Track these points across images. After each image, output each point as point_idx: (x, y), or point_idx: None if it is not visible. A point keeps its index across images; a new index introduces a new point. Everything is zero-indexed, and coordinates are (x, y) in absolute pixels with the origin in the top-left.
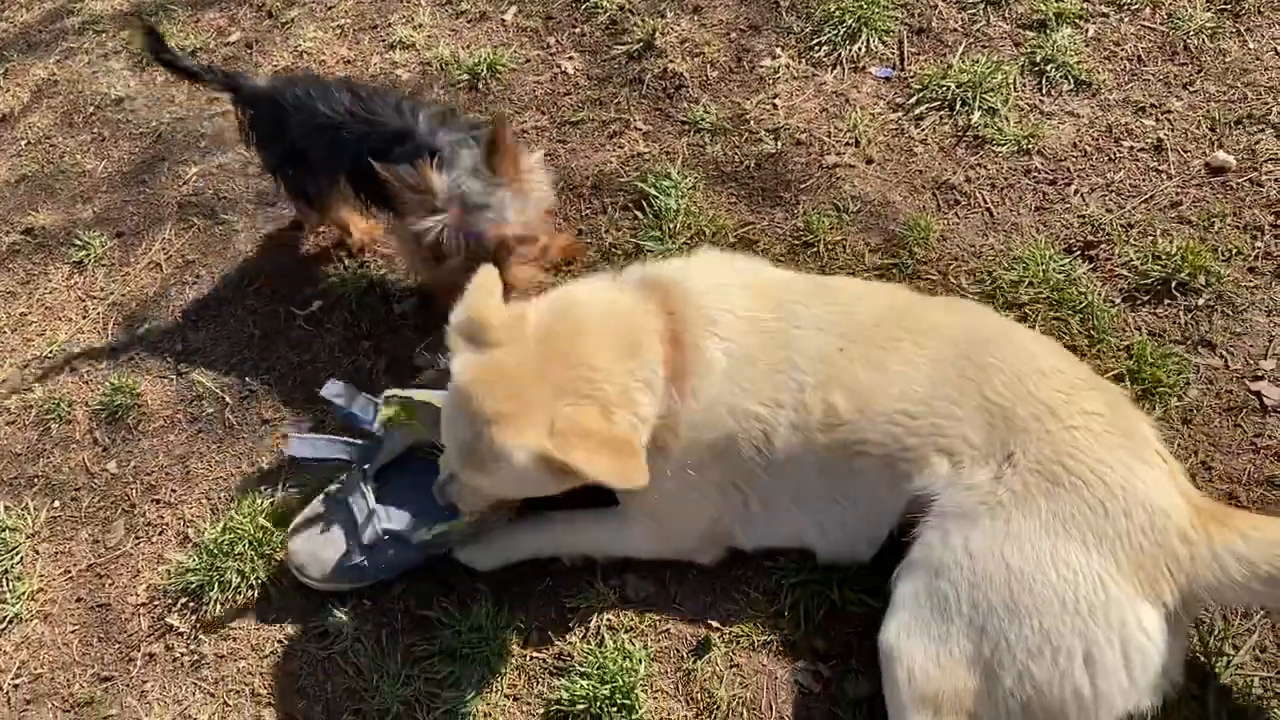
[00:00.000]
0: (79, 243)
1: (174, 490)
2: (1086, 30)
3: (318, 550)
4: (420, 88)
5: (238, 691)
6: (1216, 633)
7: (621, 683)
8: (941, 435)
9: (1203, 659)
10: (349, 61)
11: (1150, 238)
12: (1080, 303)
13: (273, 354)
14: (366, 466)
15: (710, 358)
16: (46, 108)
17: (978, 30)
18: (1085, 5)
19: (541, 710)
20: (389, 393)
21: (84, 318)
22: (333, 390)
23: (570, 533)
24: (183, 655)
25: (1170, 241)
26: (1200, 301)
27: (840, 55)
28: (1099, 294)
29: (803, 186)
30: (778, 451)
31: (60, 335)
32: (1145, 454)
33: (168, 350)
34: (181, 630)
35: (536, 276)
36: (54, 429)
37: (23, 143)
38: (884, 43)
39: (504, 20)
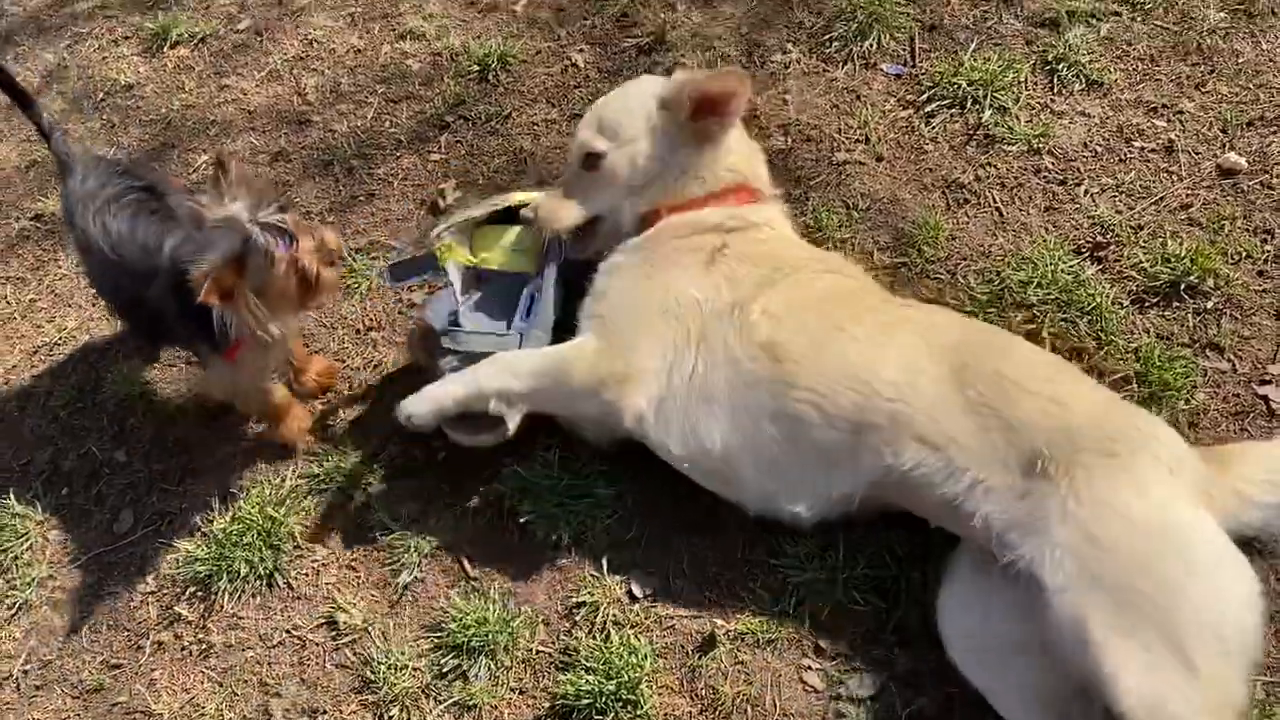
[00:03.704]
0: None
1: (182, 479)
2: (1099, 29)
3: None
4: (430, 79)
5: (245, 681)
6: None
7: (627, 678)
8: (914, 426)
9: None
10: (359, 51)
11: (1160, 239)
12: (1089, 304)
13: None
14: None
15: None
16: (57, 93)
17: (989, 28)
18: (1098, 4)
19: (548, 704)
20: (438, 229)
21: (94, 305)
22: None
23: (500, 367)
24: (191, 644)
25: (1180, 244)
26: (1209, 304)
27: (851, 51)
28: (1108, 296)
29: (813, 183)
30: (710, 343)
31: (69, 323)
32: (1150, 416)
33: None
34: (190, 619)
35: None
36: (62, 417)
37: (33, 128)
38: (895, 39)
39: (514, 11)
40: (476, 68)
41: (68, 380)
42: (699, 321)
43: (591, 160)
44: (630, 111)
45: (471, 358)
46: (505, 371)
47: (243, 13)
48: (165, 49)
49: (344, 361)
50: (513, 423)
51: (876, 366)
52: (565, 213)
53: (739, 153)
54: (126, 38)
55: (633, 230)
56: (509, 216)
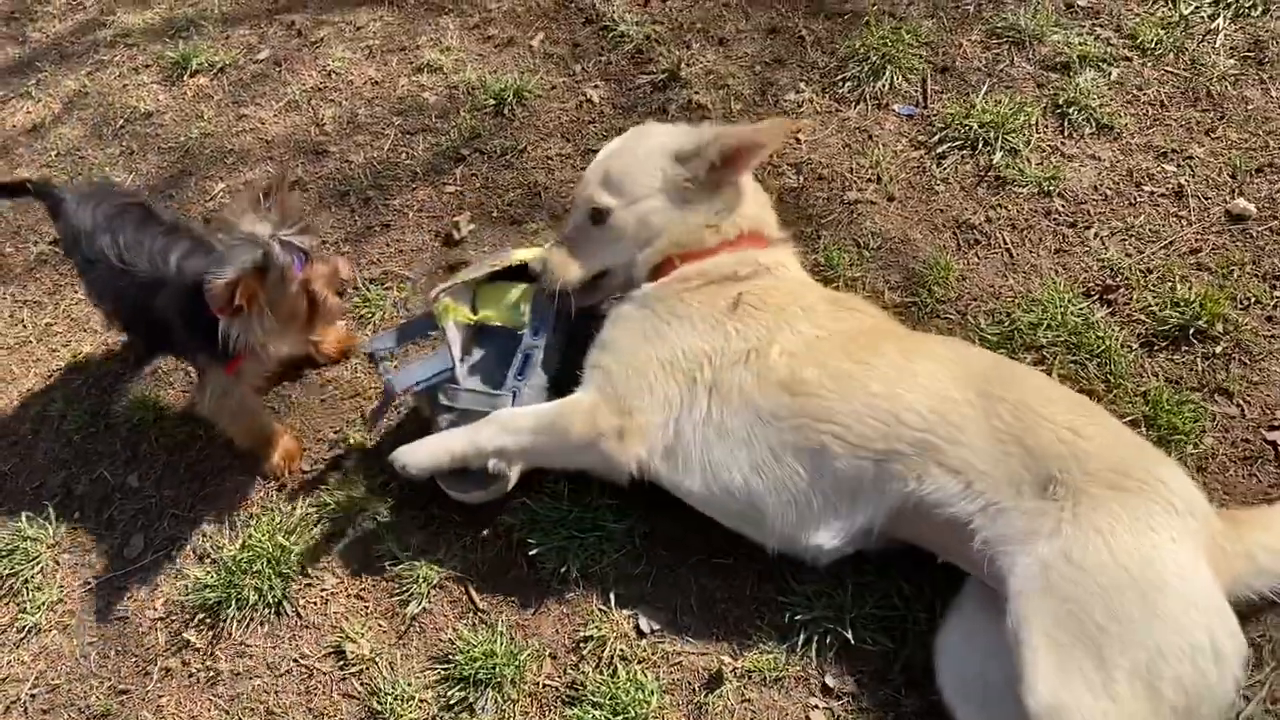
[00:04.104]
0: None
1: (193, 506)
2: (1109, 74)
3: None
4: (446, 112)
5: (252, 709)
6: None
7: (634, 714)
8: (941, 452)
9: None
10: (377, 83)
11: (1169, 283)
12: (1098, 347)
13: (296, 373)
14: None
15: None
16: (77, 119)
17: (1001, 70)
18: (1109, 49)
19: None
20: (436, 290)
21: (108, 330)
22: (382, 343)
23: (498, 425)
24: (199, 671)
25: (1189, 288)
26: (1218, 349)
27: (864, 91)
28: (1117, 339)
29: (824, 221)
30: (724, 390)
31: (85, 347)
32: (1166, 459)
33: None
34: (198, 646)
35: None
36: (76, 440)
37: (53, 153)
38: (908, 80)
39: (531, 46)
40: (492, 102)
41: (81, 404)
42: (709, 372)
43: (599, 215)
44: (639, 167)
45: (467, 416)
46: (503, 430)
47: (262, 43)
48: (185, 77)
49: (357, 393)
50: (513, 478)
51: (901, 395)
52: (573, 267)
53: (752, 199)
54: (147, 66)
55: (643, 280)
56: (513, 274)
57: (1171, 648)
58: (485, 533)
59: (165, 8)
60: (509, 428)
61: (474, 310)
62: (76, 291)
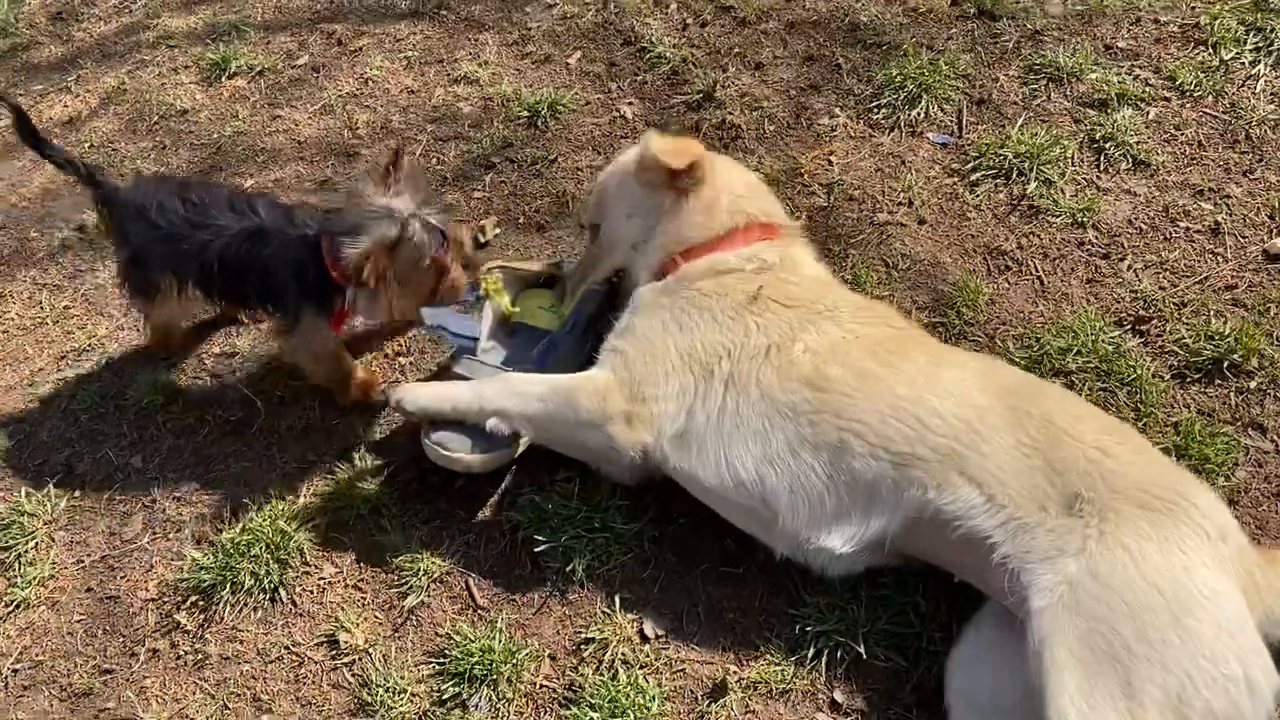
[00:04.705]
0: None
1: (196, 490)
2: (1148, 113)
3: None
4: (480, 121)
5: (239, 695)
6: None
7: (633, 718)
8: (964, 461)
9: None
10: (413, 92)
11: (1203, 317)
12: (1129, 375)
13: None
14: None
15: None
16: (113, 114)
17: (1038, 105)
18: (1147, 89)
19: None
20: (491, 264)
21: (125, 314)
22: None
23: (506, 385)
24: (187, 654)
25: (1224, 323)
26: (1252, 384)
27: (899, 119)
28: (1148, 369)
29: (852, 241)
30: (742, 382)
31: (100, 330)
32: (1198, 482)
33: (206, 353)
34: (188, 628)
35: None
36: (83, 420)
37: (85, 145)
38: (943, 110)
39: (568, 64)
40: (526, 114)
41: (92, 386)
42: (727, 365)
43: (594, 232)
44: (613, 183)
45: None
46: (510, 391)
47: (302, 50)
48: (223, 79)
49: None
50: (517, 450)
51: (927, 399)
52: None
53: (737, 192)
54: (186, 67)
55: (647, 280)
56: (547, 283)
57: (1204, 675)
58: (490, 529)
59: (209, 13)
60: (516, 390)
61: (514, 304)
62: (97, 276)
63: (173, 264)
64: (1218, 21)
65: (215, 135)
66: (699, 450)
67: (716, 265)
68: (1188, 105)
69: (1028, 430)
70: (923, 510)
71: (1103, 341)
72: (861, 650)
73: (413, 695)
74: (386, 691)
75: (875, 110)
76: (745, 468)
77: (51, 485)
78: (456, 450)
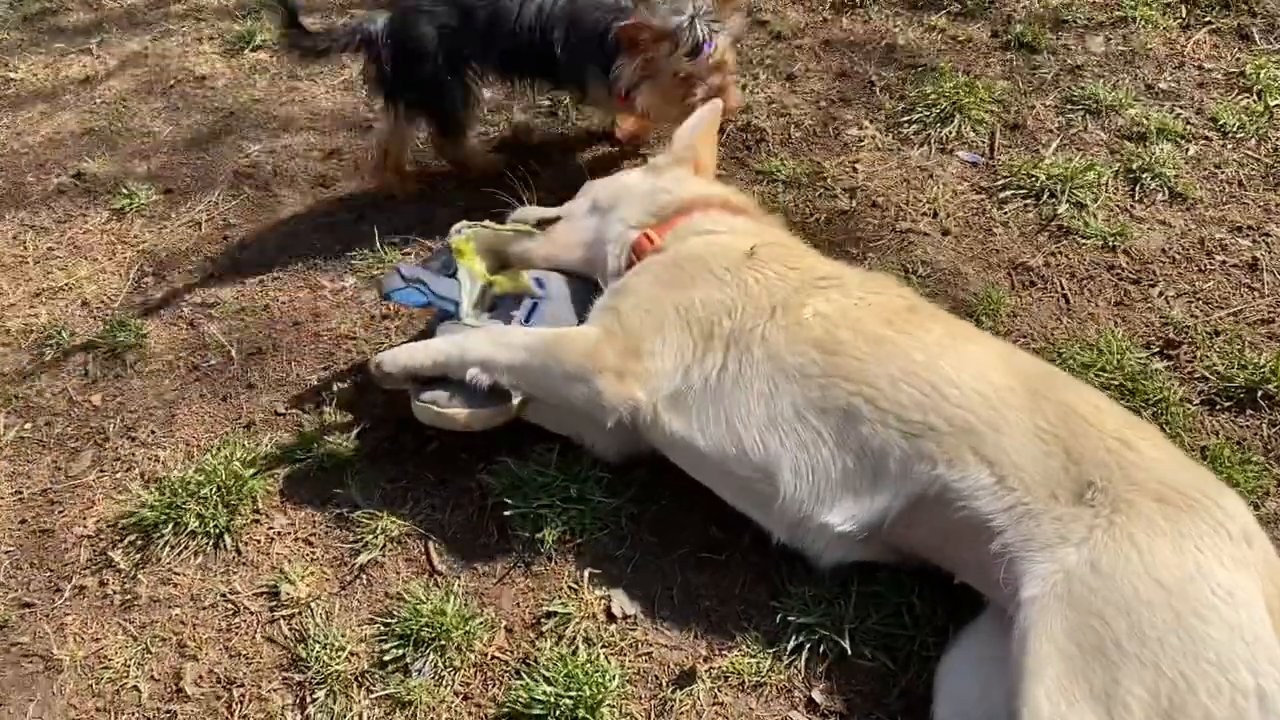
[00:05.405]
0: (125, 192)
1: (154, 432)
2: (1187, 149)
3: None
4: (500, 106)
5: (163, 639)
6: None
7: (588, 694)
8: (979, 437)
9: None
10: None
11: (1237, 347)
12: (1155, 396)
13: (290, 320)
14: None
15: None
16: (129, 75)
17: (1074, 134)
18: (1189, 127)
19: (492, 712)
20: (459, 224)
21: (110, 259)
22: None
23: (490, 335)
24: (114, 593)
25: (1259, 354)
26: None
27: (929, 135)
28: (1176, 392)
29: (873, 245)
30: (744, 342)
31: (81, 271)
32: (1222, 484)
33: (185, 301)
34: (121, 567)
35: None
36: (47, 355)
37: (98, 101)
38: (976, 131)
39: None
40: (548, 103)
41: (62, 324)
42: (728, 324)
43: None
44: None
45: None
46: (493, 341)
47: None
48: (246, 51)
49: (354, 348)
50: (513, 406)
51: (944, 368)
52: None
53: (685, 187)
54: (211, 38)
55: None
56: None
57: (1206, 682)
58: (458, 493)
59: None
60: (500, 340)
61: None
62: (87, 223)
63: (477, 50)
64: (1264, 71)
65: (230, 101)
66: (697, 412)
67: (695, 227)
68: (1229, 146)
69: (1047, 415)
70: (929, 487)
71: (1130, 361)
72: (847, 647)
73: (351, 654)
74: (323, 648)
75: (906, 125)
76: (748, 432)
77: (3, 416)
78: (450, 407)
